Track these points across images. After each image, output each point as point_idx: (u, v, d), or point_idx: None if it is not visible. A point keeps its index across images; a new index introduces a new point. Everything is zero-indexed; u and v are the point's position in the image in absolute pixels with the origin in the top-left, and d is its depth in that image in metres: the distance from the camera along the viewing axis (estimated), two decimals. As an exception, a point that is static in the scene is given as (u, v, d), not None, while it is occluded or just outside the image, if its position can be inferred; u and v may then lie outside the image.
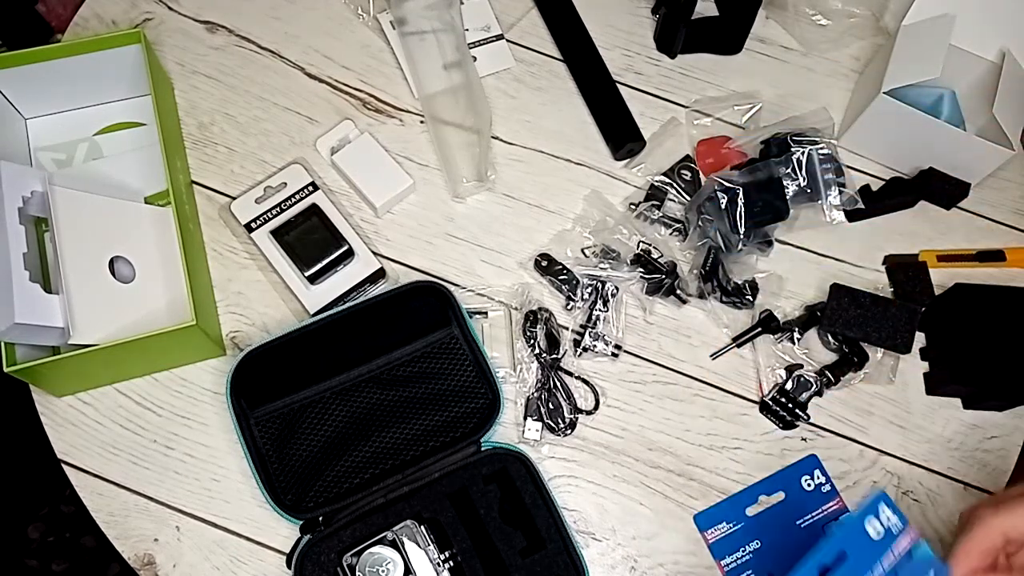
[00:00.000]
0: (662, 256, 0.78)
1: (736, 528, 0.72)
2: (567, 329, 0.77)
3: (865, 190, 0.83)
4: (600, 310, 0.76)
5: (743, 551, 0.71)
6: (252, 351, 0.69)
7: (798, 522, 0.72)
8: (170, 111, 0.80)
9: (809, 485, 0.73)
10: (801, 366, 0.76)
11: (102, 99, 0.81)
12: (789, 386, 0.75)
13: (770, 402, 0.75)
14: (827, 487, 0.73)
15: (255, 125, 0.83)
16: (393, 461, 0.70)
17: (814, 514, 0.72)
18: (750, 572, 0.70)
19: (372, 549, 0.65)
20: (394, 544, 0.66)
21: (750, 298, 0.77)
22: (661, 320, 0.78)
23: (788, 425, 0.75)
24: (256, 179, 0.80)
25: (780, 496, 0.73)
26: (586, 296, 0.76)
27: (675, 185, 0.82)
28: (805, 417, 0.74)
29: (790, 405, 0.74)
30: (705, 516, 0.72)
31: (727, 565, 0.71)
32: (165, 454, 0.71)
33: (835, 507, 0.73)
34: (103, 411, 0.72)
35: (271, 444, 0.70)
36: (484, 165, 0.80)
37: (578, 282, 0.77)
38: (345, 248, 0.76)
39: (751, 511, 0.72)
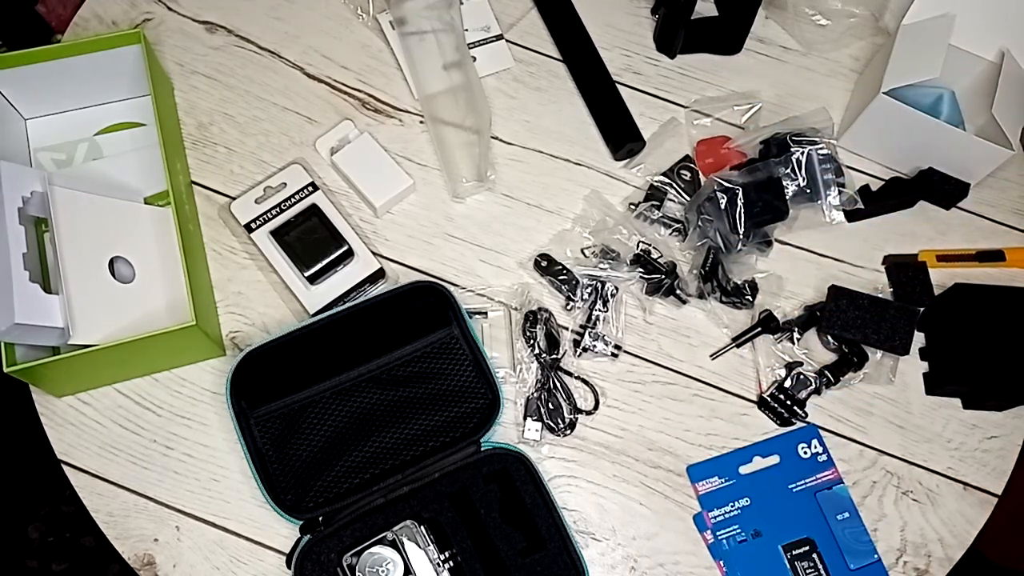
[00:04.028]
0: (662, 256, 0.78)
1: (728, 484, 0.72)
2: (567, 329, 0.77)
3: (865, 190, 0.83)
4: (600, 310, 0.76)
5: (732, 506, 0.72)
6: (252, 351, 0.69)
7: (790, 486, 0.73)
8: (170, 111, 0.80)
9: (805, 453, 0.74)
10: (801, 363, 0.76)
11: (102, 99, 0.81)
12: (788, 383, 0.75)
13: (768, 398, 0.75)
14: (823, 457, 0.74)
15: (254, 125, 0.83)
16: (393, 461, 0.70)
17: (806, 481, 0.73)
18: (737, 527, 0.71)
19: (372, 549, 0.65)
20: (394, 544, 0.66)
21: (750, 298, 0.77)
22: (661, 320, 0.78)
23: (785, 422, 0.75)
24: (256, 179, 0.80)
25: (775, 459, 0.73)
26: (586, 296, 0.76)
27: (675, 185, 0.82)
28: (802, 415, 0.74)
29: (788, 402, 0.74)
30: (698, 468, 0.73)
31: (715, 517, 0.71)
32: (165, 454, 0.71)
33: (830, 476, 0.73)
34: (103, 411, 0.72)
35: (271, 444, 0.70)
36: (484, 165, 0.80)
37: (578, 282, 0.77)
38: (345, 248, 0.76)
39: (744, 470, 0.73)
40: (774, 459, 0.74)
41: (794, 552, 0.71)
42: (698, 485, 0.72)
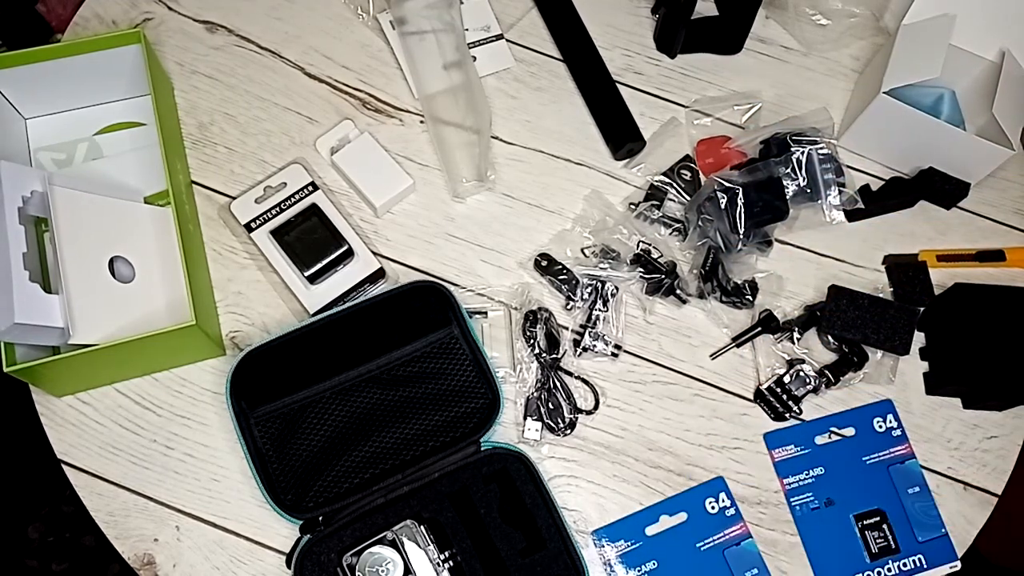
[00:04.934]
0: (662, 256, 0.78)
1: (803, 452, 0.74)
2: (567, 329, 0.77)
3: (865, 190, 0.83)
4: (600, 310, 0.76)
5: (806, 474, 0.73)
6: (252, 351, 0.69)
7: (864, 458, 0.74)
8: (170, 111, 0.80)
9: (880, 427, 0.75)
10: (803, 360, 0.76)
11: (102, 99, 0.81)
12: (787, 379, 0.75)
13: (765, 391, 0.75)
14: (898, 432, 0.75)
15: (255, 125, 0.83)
16: (393, 461, 0.70)
17: (881, 454, 0.74)
18: (810, 495, 0.72)
19: (372, 549, 0.65)
20: (394, 544, 0.66)
21: (750, 298, 0.77)
22: (661, 320, 0.78)
23: (779, 416, 0.75)
24: (256, 179, 0.80)
25: (850, 431, 0.74)
26: (586, 296, 0.76)
27: (675, 185, 0.82)
28: (797, 411, 0.74)
29: (784, 396, 0.74)
30: (775, 436, 0.74)
31: (789, 484, 0.73)
32: (165, 454, 0.71)
33: (903, 451, 0.74)
34: (103, 411, 0.72)
35: (271, 444, 0.70)
36: (484, 165, 0.80)
37: (578, 282, 0.77)
38: (345, 248, 0.76)
39: (820, 440, 0.74)
40: (849, 431, 0.75)
41: (865, 522, 0.72)
42: (774, 452, 0.74)
